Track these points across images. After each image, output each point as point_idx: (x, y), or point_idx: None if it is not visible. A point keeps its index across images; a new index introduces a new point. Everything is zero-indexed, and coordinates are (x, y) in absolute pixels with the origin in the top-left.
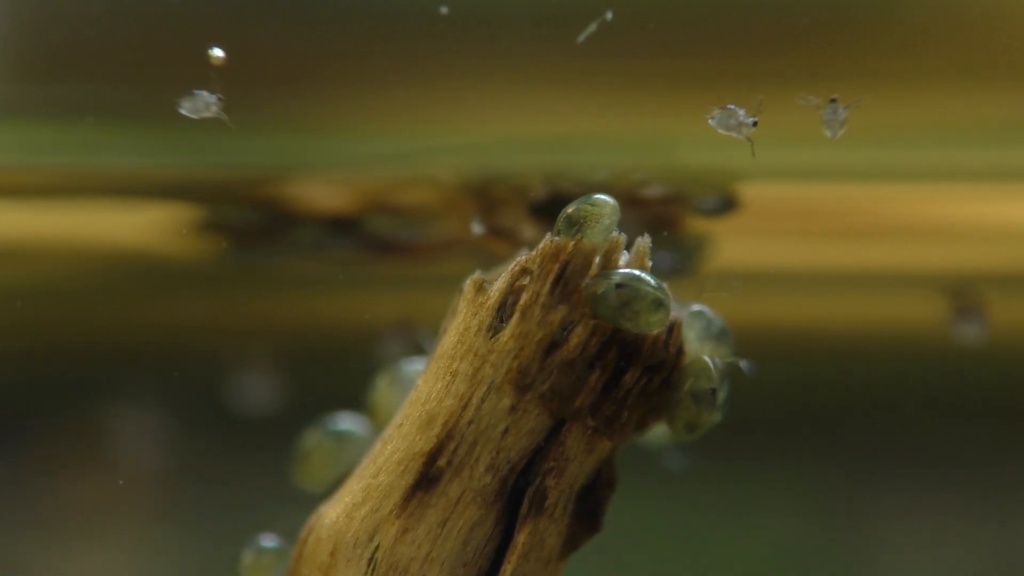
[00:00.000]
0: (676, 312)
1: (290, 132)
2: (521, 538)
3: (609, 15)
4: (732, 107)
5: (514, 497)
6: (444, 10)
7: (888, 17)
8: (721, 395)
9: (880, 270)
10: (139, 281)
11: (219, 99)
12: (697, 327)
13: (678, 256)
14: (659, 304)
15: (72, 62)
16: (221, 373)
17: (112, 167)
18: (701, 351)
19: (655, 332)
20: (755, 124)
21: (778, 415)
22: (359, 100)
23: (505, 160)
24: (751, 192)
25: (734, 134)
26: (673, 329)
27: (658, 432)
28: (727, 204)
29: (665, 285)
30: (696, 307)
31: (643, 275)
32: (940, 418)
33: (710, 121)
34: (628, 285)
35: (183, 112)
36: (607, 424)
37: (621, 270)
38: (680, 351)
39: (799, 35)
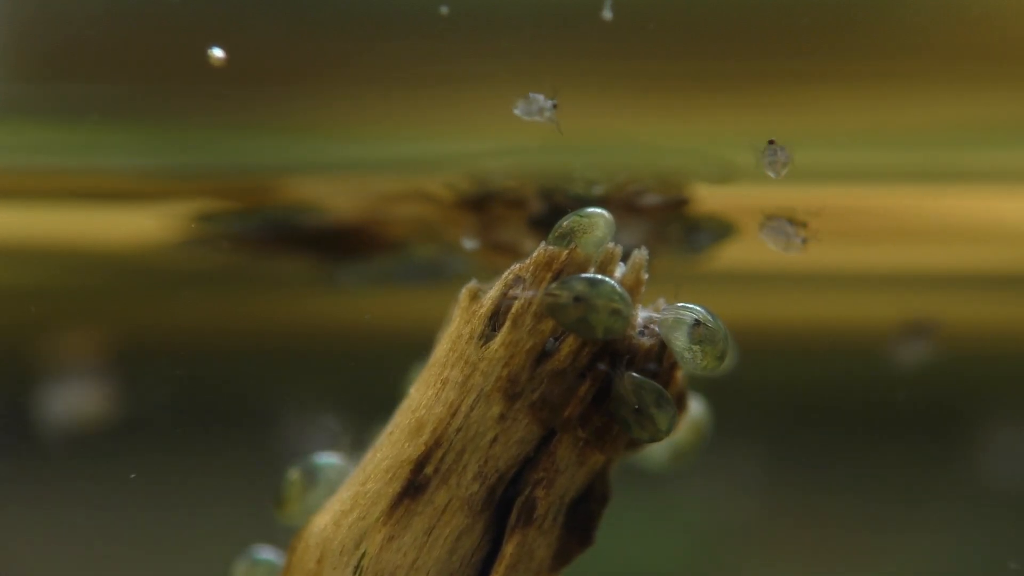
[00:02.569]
0: (664, 315)
1: (290, 133)
2: (509, 548)
3: (610, 13)
4: (781, 221)
5: (503, 507)
6: (444, 10)
7: (888, 18)
8: (652, 407)
9: (880, 270)
10: (139, 281)
11: (554, 105)
12: (681, 333)
13: (696, 237)
14: (616, 314)
15: (72, 62)
16: (222, 372)
17: (112, 167)
18: (692, 356)
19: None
20: (804, 238)
21: (777, 415)
22: (359, 100)
23: (506, 162)
24: (751, 192)
25: (786, 250)
26: (665, 344)
27: (658, 451)
28: (718, 235)
29: (626, 293)
30: (679, 312)
31: (604, 282)
32: (938, 418)
33: (765, 239)
34: (586, 297)
35: (516, 113)
36: (598, 436)
37: (582, 275)
38: (675, 364)
39: (799, 35)
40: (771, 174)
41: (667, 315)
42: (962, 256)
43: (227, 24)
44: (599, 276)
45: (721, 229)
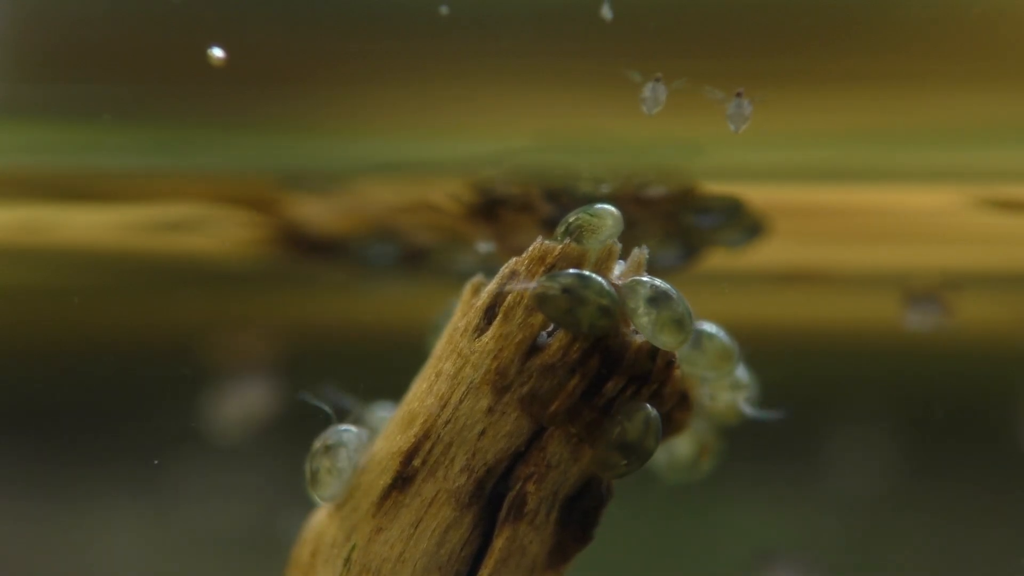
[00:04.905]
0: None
1: (290, 133)
2: (499, 543)
3: (610, 13)
4: (927, 300)
5: (495, 503)
6: (444, 10)
7: (888, 17)
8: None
9: (880, 270)
10: (139, 281)
11: (657, 79)
12: (636, 296)
13: (707, 219)
14: (604, 312)
15: (72, 62)
16: (223, 372)
17: (112, 167)
18: (649, 320)
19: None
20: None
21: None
22: (359, 101)
23: (508, 163)
24: (751, 192)
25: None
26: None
27: (662, 454)
28: (752, 232)
29: (614, 291)
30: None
31: (594, 278)
32: (938, 418)
33: (912, 321)
34: (574, 290)
35: (651, 113)
36: (589, 431)
37: (571, 271)
38: (671, 364)
39: (799, 35)
40: (731, 127)
41: (625, 282)
42: (962, 256)
43: (227, 24)
44: (590, 273)
45: (730, 205)
